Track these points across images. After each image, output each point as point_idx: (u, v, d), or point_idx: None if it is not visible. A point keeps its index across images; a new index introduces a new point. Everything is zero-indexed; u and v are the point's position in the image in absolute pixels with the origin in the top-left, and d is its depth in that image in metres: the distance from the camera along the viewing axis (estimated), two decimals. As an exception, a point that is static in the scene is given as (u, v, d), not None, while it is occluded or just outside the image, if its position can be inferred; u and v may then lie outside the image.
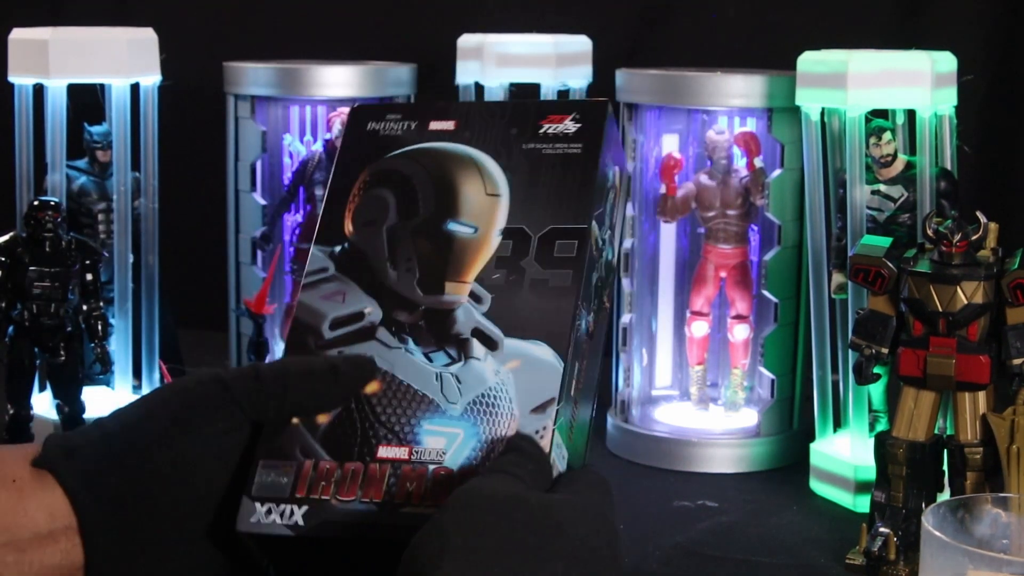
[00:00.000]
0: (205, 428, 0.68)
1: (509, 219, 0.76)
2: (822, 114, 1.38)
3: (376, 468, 0.69)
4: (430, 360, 0.73)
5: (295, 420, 0.71)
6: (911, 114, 1.37)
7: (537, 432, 0.68)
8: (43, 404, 1.47)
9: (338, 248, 0.79)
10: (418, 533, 0.61)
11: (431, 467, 0.68)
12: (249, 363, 0.72)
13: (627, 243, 1.53)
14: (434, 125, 0.82)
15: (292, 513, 0.69)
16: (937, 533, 0.77)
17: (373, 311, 0.75)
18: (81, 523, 0.66)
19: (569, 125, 0.79)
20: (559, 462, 0.69)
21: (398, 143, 0.82)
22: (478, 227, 0.76)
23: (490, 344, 0.72)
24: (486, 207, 0.77)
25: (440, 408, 0.70)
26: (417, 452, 0.69)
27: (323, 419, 0.71)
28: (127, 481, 0.66)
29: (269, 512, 0.69)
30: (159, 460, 0.66)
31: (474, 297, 0.74)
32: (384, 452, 0.69)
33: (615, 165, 0.80)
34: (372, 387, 0.72)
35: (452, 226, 0.77)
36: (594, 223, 0.76)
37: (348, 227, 0.79)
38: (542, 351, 0.71)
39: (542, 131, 0.79)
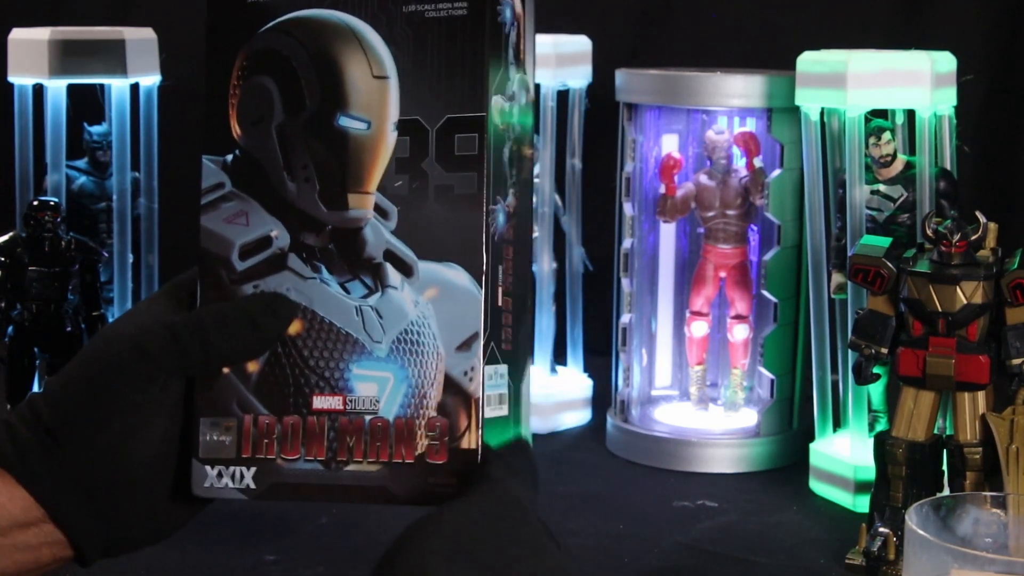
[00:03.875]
0: (135, 398, 0.67)
1: (402, 109, 0.68)
2: (822, 114, 1.38)
3: (314, 421, 0.68)
4: (347, 291, 0.68)
5: (225, 368, 0.69)
6: (911, 114, 1.37)
7: (466, 373, 0.65)
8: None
9: (229, 157, 0.70)
10: (419, 527, 0.61)
11: (367, 418, 0.67)
12: (158, 318, 0.70)
13: (627, 243, 1.53)
14: None
15: (242, 476, 0.68)
16: (920, 532, 0.77)
17: (280, 234, 0.69)
18: (52, 515, 0.67)
19: None
20: (497, 402, 0.66)
21: (269, 13, 0.70)
22: (370, 121, 0.68)
23: (404, 269, 0.67)
24: (375, 93, 0.68)
25: (366, 348, 0.67)
26: (351, 401, 0.67)
27: (253, 367, 0.68)
28: (78, 467, 0.67)
29: (220, 475, 0.69)
30: (101, 442, 0.67)
31: (379, 211, 0.68)
32: (319, 403, 0.68)
33: (509, 1, 0.69)
34: (295, 327, 0.68)
35: (343, 121, 0.68)
36: (498, 98, 0.67)
37: (235, 128, 0.71)
38: (458, 276, 0.66)
39: None
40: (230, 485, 0.68)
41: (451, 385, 0.66)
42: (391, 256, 0.68)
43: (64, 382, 0.69)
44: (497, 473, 0.64)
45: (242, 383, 0.69)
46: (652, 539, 1.25)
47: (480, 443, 0.65)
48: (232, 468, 0.69)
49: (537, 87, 1.53)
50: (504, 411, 0.67)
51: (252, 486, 0.68)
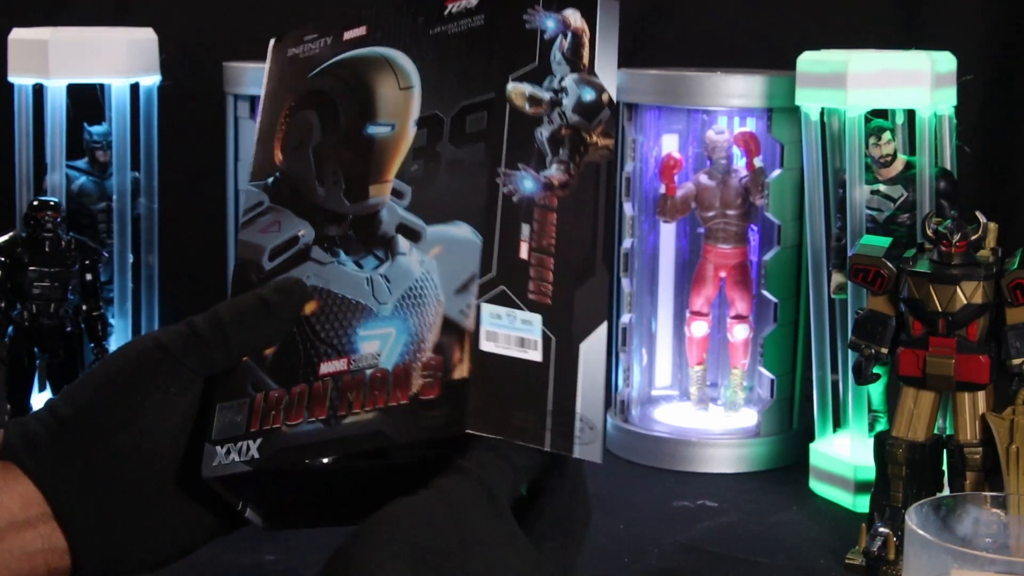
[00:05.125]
0: (155, 395, 0.68)
1: (423, 108, 0.75)
2: (822, 114, 1.38)
3: (320, 386, 0.70)
4: (360, 267, 0.73)
5: (244, 357, 0.72)
6: (911, 114, 1.37)
7: (462, 311, 0.67)
8: (43, 404, 1.47)
9: (270, 179, 0.79)
10: (375, 520, 0.61)
11: (368, 372, 0.69)
12: (184, 320, 0.71)
13: (627, 243, 1.53)
14: (347, 35, 0.81)
15: (248, 448, 0.70)
16: (920, 532, 0.77)
17: (306, 232, 0.76)
18: (54, 510, 0.66)
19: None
20: (517, 344, 0.67)
21: (317, 62, 0.81)
22: (395, 123, 0.76)
23: (413, 236, 0.72)
24: (401, 102, 0.76)
25: (372, 311, 0.71)
26: (355, 360, 0.70)
27: (269, 350, 0.72)
28: (91, 463, 0.67)
29: (228, 452, 0.70)
30: (119, 439, 0.67)
31: (396, 193, 0.74)
32: (325, 368, 0.70)
33: (556, 14, 0.76)
34: (310, 307, 0.73)
35: (371, 129, 0.76)
36: (519, 83, 0.73)
37: (277, 156, 0.79)
38: (461, 230, 0.70)
39: (446, 12, 0.77)
40: (236, 459, 0.70)
41: (449, 325, 0.68)
42: (403, 228, 0.72)
43: (84, 379, 0.70)
44: (468, 463, 0.63)
45: (258, 365, 0.72)
46: (652, 539, 1.25)
47: (471, 374, 0.66)
48: (240, 443, 0.70)
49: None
50: (533, 356, 0.68)
51: (256, 456, 0.69)
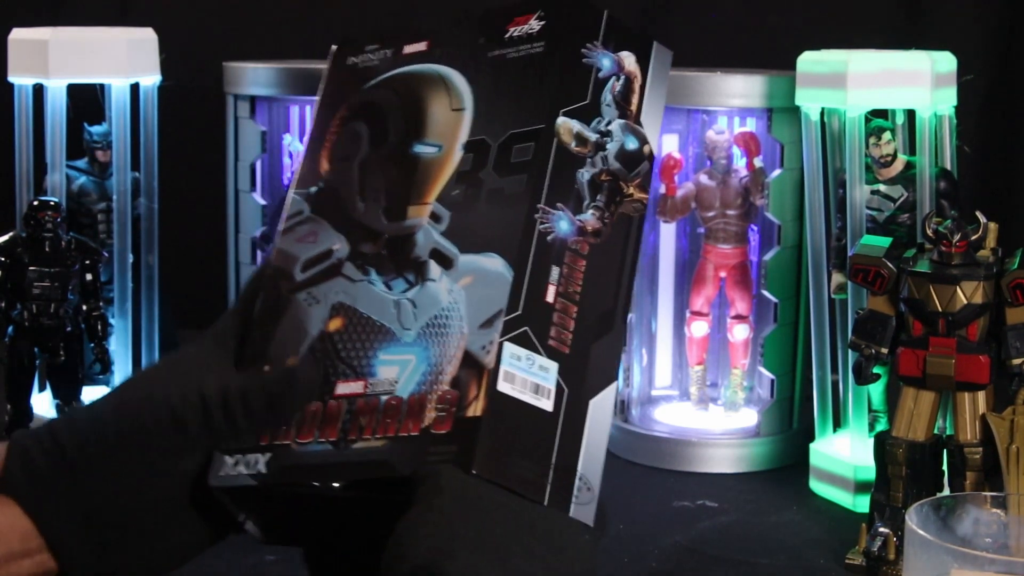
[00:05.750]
0: (163, 462, 0.68)
1: (472, 132, 0.74)
2: (822, 114, 1.38)
3: (334, 406, 0.69)
4: (390, 288, 0.72)
5: (266, 367, 0.71)
6: (911, 114, 1.37)
7: (484, 347, 0.66)
8: (43, 404, 1.47)
9: (313, 189, 0.78)
10: (414, 514, 0.61)
11: (383, 398, 0.68)
12: (197, 384, 0.70)
13: (627, 243, 1.53)
14: (408, 49, 0.80)
15: (257, 461, 0.69)
16: (920, 532, 0.77)
17: (341, 247, 0.74)
18: (50, 544, 0.66)
19: (534, 24, 0.75)
20: (532, 390, 0.66)
21: (374, 73, 0.80)
22: (442, 145, 0.74)
23: (445, 263, 0.71)
24: (451, 123, 0.75)
25: (395, 336, 0.70)
26: (372, 384, 0.69)
27: (292, 362, 0.71)
28: (89, 499, 0.67)
29: (236, 463, 0.70)
30: (123, 490, 0.67)
31: (434, 217, 0.72)
32: (342, 388, 0.69)
33: (612, 54, 0.75)
34: (335, 324, 0.72)
35: (418, 148, 0.75)
36: (568, 120, 0.72)
37: (324, 166, 0.78)
38: (493, 263, 0.69)
39: (508, 35, 0.76)
40: (243, 472, 0.69)
41: (469, 360, 0.67)
42: (436, 254, 0.71)
43: (95, 422, 0.68)
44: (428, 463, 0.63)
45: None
46: (652, 539, 1.25)
47: (484, 414, 0.65)
48: (249, 455, 0.69)
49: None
50: (544, 404, 0.67)
51: (263, 471, 0.69)
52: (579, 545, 0.64)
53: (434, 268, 0.71)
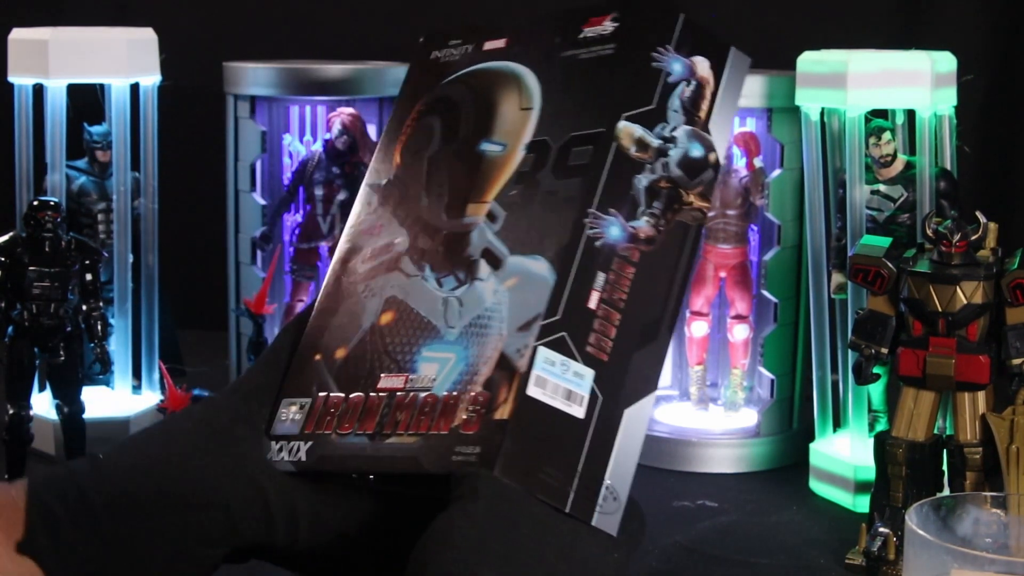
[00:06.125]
0: (197, 541, 0.65)
1: (536, 132, 0.73)
2: (822, 114, 1.38)
3: (375, 399, 0.69)
4: (440, 285, 0.71)
5: (317, 356, 0.72)
6: (911, 114, 1.37)
7: (519, 351, 0.66)
8: (43, 404, 1.47)
9: (384, 181, 0.78)
10: (446, 517, 0.60)
11: (421, 395, 0.68)
12: (256, 486, 0.69)
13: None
14: (488, 45, 0.79)
15: (299, 449, 0.69)
16: (920, 532, 0.77)
17: (401, 240, 0.74)
18: None
19: (608, 25, 0.75)
20: (564, 396, 0.66)
21: (454, 68, 0.80)
22: (507, 144, 0.74)
23: (494, 263, 0.70)
24: (518, 122, 0.74)
25: (439, 333, 0.70)
26: (412, 380, 0.68)
27: (341, 353, 0.72)
28: (114, 558, 0.64)
29: (280, 450, 0.70)
30: (150, 557, 0.65)
31: (490, 216, 0.72)
32: (384, 382, 0.69)
33: (685, 59, 0.74)
34: (387, 318, 0.72)
35: (484, 146, 0.74)
36: (630, 124, 0.71)
37: (396, 159, 0.78)
38: (539, 266, 0.68)
39: (582, 36, 0.75)
40: (286, 459, 0.70)
41: (504, 362, 0.66)
42: (487, 253, 0.71)
43: (128, 489, 0.65)
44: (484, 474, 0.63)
45: (327, 367, 0.72)
46: (652, 539, 1.25)
47: (511, 417, 0.64)
48: (293, 443, 0.70)
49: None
50: (576, 411, 0.66)
51: (304, 459, 0.69)
52: (607, 564, 0.63)
53: (484, 267, 0.70)
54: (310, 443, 0.69)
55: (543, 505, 0.62)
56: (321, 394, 0.71)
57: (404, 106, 0.80)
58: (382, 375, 0.70)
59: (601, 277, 0.68)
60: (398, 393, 0.68)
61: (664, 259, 0.71)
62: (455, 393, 0.67)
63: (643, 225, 0.70)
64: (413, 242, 0.74)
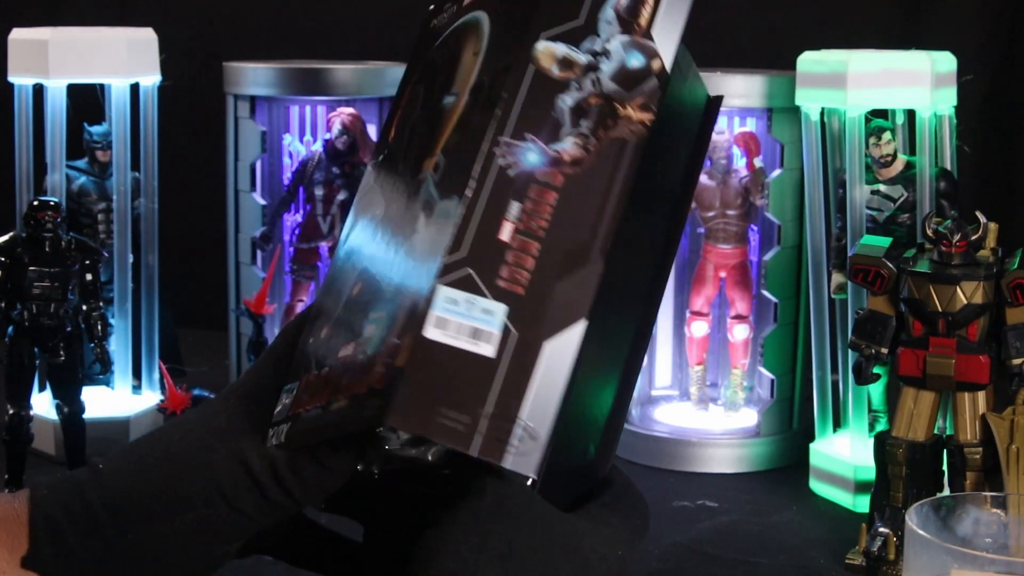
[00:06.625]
0: (218, 550, 0.65)
1: (478, 73, 0.70)
2: (822, 114, 1.38)
3: (329, 371, 0.67)
4: (391, 248, 0.69)
5: (310, 339, 0.71)
6: (911, 114, 1.37)
7: (428, 297, 0.62)
8: (43, 404, 1.47)
9: (380, 158, 0.76)
10: (452, 515, 0.60)
11: (360, 357, 0.65)
12: (239, 457, 0.68)
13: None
14: (467, 0, 0.76)
15: (282, 432, 0.68)
16: (920, 532, 0.77)
17: (379, 211, 0.72)
18: None
19: None
20: (468, 335, 0.63)
21: (440, 32, 0.77)
22: (458, 93, 0.70)
23: (428, 212, 0.67)
24: (469, 69, 0.71)
25: (381, 293, 0.67)
26: (358, 345, 0.66)
27: (325, 331, 0.70)
28: (120, 565, 0.64)
29: (271, 435, 0.68)
30: (156, 549, 0.64)
31: (435, 168, 0.69)
32: (342, 351, 0.67)
33: None
34: (356, 290, 0.70)
35: (445, 99, 0.71)
36: (552, 43, 0.67)
37: (391, 134, 0.76)
38: (452, 205, 0.65)
39: None
40: (272, 443, 0.69)
41: (413, 307, 0.64)
42: (425, 206, 0.68)
43: (131, 492, 0.64)
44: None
45: (313, 348, 0.70)
46: (652, 539, 1.25)
47: (406, 363, 0.61)
48: (280, 427, 0.69)
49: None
50: (485, 350, 0.62)
51: (283, 440, 0.69)
52: (609, 563, 0.63)
53: (421, 220, 0.68)
54: (289, 424, 0.69)
55: (548, 505, 0.62)
56: (304, 375, 0.70)
57: (402, 82, 0.78)
58: (342, 345, 0.68)
59: (516, 207, 0.65)
60: (348, 360, 0.66)
61: (595, 180, 0.67)
62: (381, 350, 0.64)
63: (568, 147, 0.66)
64: (386, 211, 0.72)
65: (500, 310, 0.63)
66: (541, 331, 0.64)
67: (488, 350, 0.62)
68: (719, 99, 0.72)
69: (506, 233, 0.64)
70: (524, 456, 0.61)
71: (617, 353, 0.70)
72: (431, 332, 0.61)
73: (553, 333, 0.64)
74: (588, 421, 0.69)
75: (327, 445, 0.66)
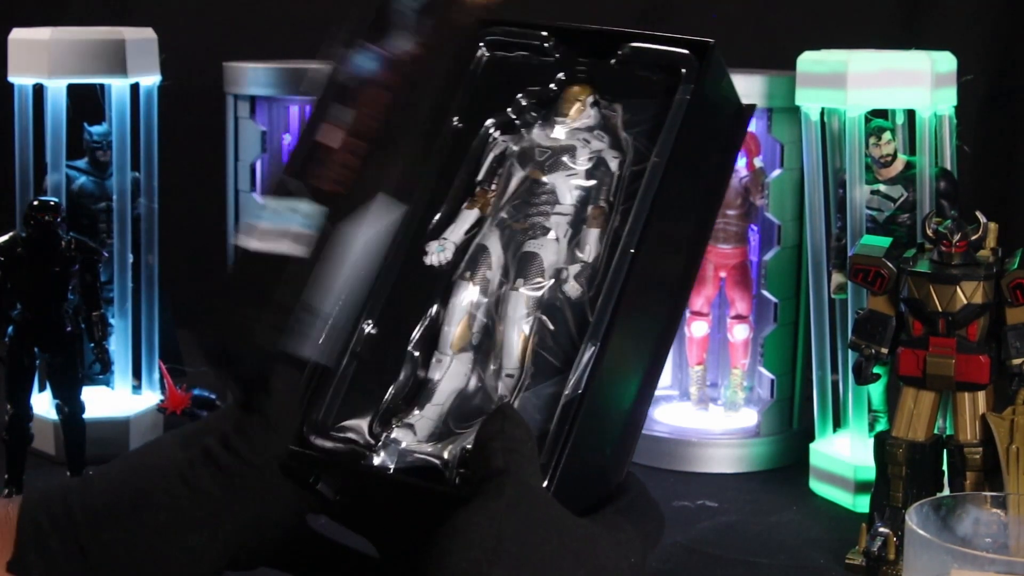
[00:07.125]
0: (188, 539, 0.65)
1: None
2: (822, 114, 1.38)
3: None
4: None
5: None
6: (911, 114, 1.37)
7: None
8: (43, 404, 1.47)
9: None
10: (466, 514, 0.60)
11: None
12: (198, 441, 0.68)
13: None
14: None
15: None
16: (920, 532, 0.77)
17: None
18: None
19: None
20: (275, 224, 0.64)
21: None
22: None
23: None
24: None
25: None
26: None
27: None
28: (98, 569, 0.63)
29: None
30: (132, 564, 0.65)
31: None
32: None
33: None
34: None
35: None
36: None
37: None
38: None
39: None
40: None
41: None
42: None
43: (107, 494, 0.65)
44: (497, 461, 0.62)
45: None
46: (652, 539, 1.25)
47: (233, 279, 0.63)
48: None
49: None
50: (295, 250, 0.63)
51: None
52: (623, 569, 0.63)
53: None
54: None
55: (563, 509, 0.62)
56: None
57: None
58: None
59: (346, 112, 0.66)
60: None
61: (435, 68, 0.68)
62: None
63: (406, 45, 0.67)
64: None
65: (314, 211, 0.63)
66: (353, 221, 0.64)
67: (297, 249, 0.63)
68: (752, 107, 0.72)
69: (335, 139, 0.66)
70: (301, 337, 0.63)
71: (643, 351, 0.70)
72: (241, 240, 0.63)
73: (363, 219, 0.65)
74: (607, 418, 0.69)
75: (276, 407, 0.66)
